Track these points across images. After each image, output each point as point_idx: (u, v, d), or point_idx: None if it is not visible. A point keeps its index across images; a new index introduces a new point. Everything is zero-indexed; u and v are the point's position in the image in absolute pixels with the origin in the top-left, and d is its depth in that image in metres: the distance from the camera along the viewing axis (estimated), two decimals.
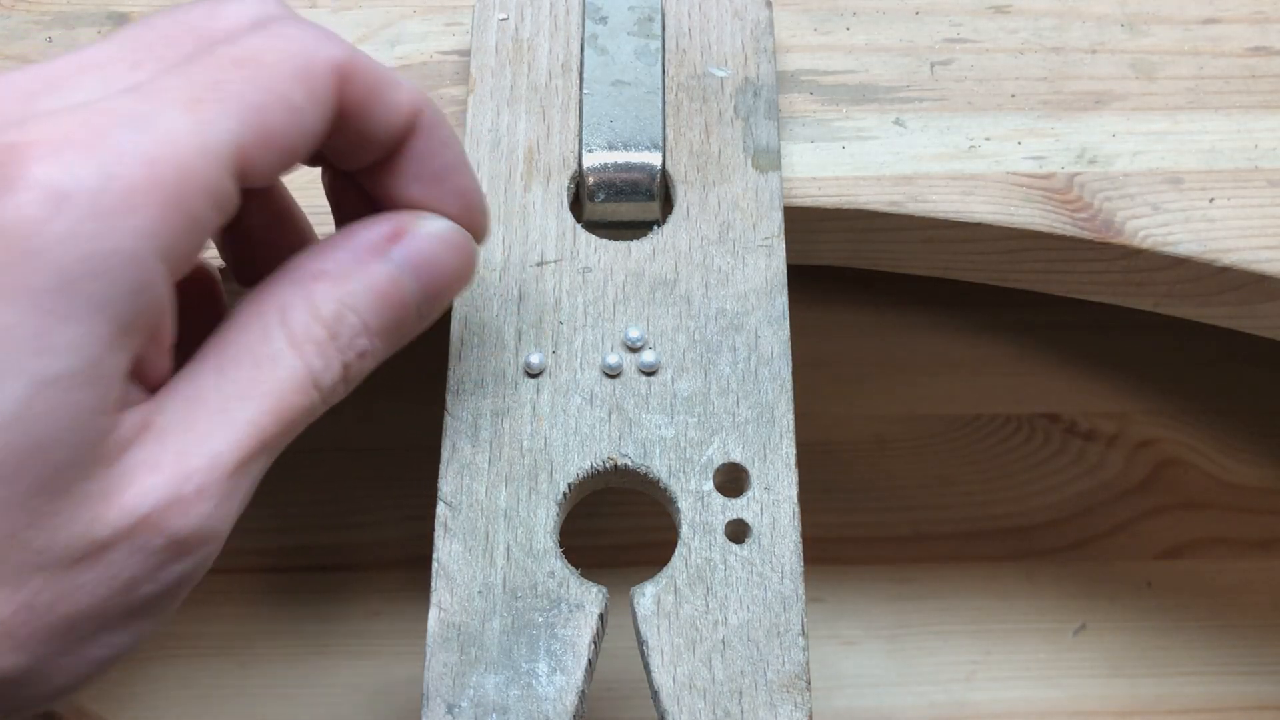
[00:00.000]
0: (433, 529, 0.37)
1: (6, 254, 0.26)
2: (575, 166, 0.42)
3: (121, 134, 0.27)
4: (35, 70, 0.30)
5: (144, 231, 0.27)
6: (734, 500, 0.37)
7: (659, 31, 0.44)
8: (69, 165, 0.26)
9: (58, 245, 0.26)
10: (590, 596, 0.36)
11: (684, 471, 0.38)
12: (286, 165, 0.31)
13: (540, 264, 0.41)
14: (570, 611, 0.36)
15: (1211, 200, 0.45)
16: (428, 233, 0.33)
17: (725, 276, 0.41)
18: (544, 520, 0.37)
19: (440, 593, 0.36)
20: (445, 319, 0.38)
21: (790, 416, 0.38)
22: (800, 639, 0.36)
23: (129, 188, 0.27)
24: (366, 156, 0.33)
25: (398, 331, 0.32)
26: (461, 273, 0.34)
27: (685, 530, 0.37)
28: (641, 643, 0.36)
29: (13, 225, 0.26)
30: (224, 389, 0.30)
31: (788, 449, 0.38)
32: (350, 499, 0.59)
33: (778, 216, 0.42)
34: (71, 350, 0.27)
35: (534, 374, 0.39)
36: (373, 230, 0.32)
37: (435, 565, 0.36)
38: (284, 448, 0.31)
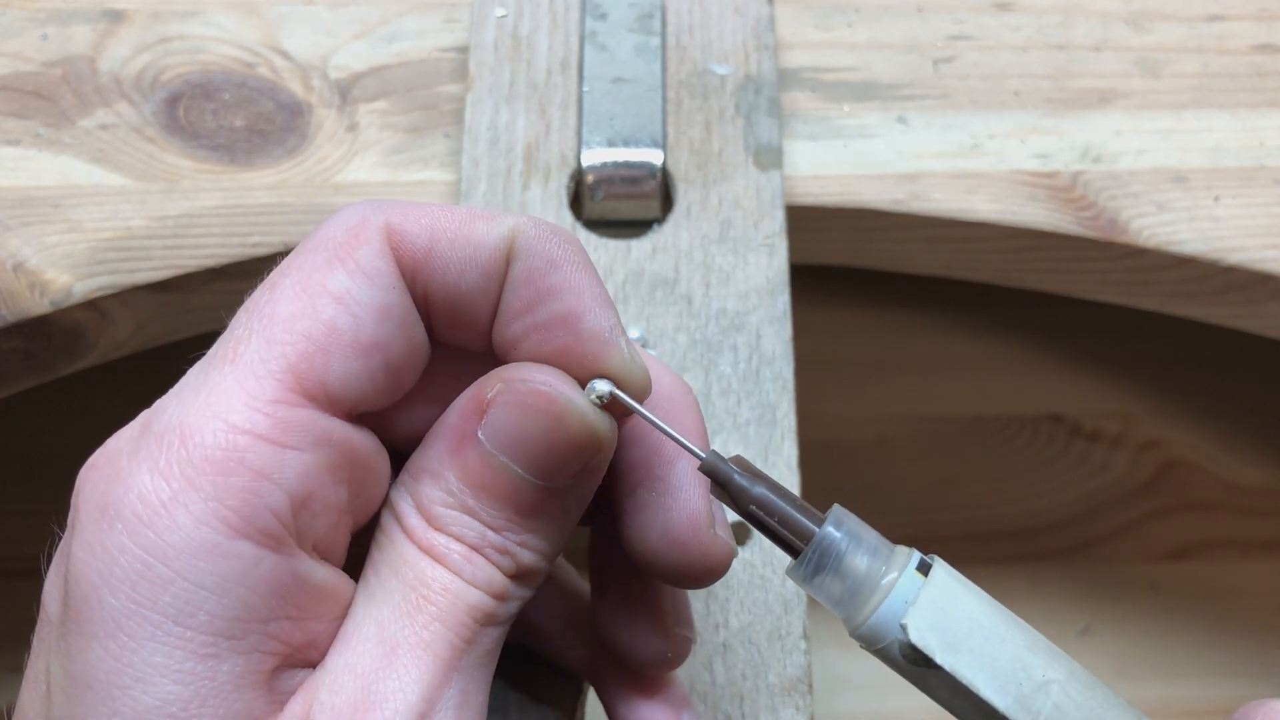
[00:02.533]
0: None
1: (77, 589, 0.25)
2: (575, 164, 0.42)
3: (160, 421, 0.25)
4: None
5: (203, 515, 0.24)
6: None
7: (659, 28, 0.44)
8: (113, 474, 0.25)
9: (116, 565, 0.24)
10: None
11: None
12: (374, 359, 0.26)
13: None
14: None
15: (1217, 199, 0.44)
16: (505, 400, 0.27)
17: (726, 276, 0.40)
18: None
19: None
20: None
21: (792, 417, 0.38)
22: (802, 642, 0.36)
23: (167, 474, 0.25)
24: (481, 318, 0.28)
25: (540, 515, 0.27)
26: (562, 431, 0.27)
27: None
28: None
29: (76, 556, 0.25)
30: (376, 636, 0.26)
31: (789, 450, 0.38)
32: None
33: (779, 215, 0.41)
34: (160, 673, 0.24)
35: None
36: (460, 408, 0.27)
37: None
38: (480, 665, 0.27)
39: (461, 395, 0.27)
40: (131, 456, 0.25)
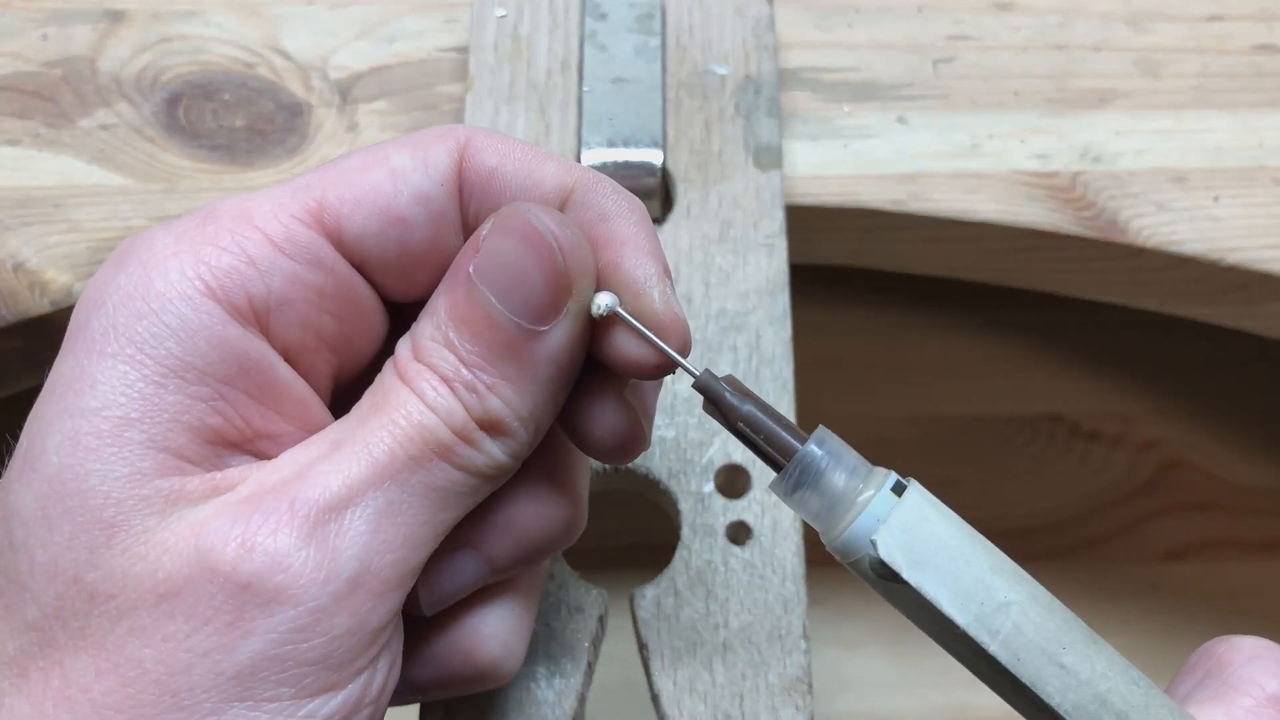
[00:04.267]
0: None
1: (79, 312, 0.28)
2: None
3: (208, 208, 0.29)
4: None
5: (187, 271, 0.27)
6: (735, 501, 0.37)
7: (659, 28, 0.44)
8: (147, 235, 0.28)
9: (113, 295, 0.27)
10: (589, 599, 0.36)
11: (684, 473, 0.37)
12: (393, 230, 0.29)
13: None
14: (569, 614, 0.36)
15: (1216, 199, 0.44)
16: (489, 230, 0.28)
17: (726, 275, 0.40)
18: None
19: None
20: None
21: (792, 417, 0.38)
22: (802, 642, 0.36)
23: (179, 236, 0.28)
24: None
25: (508, 352, 0.28)
26: (534, 260, 0.28)
27: (686, 532, 0.37)
28: (642, 646, 0.36)
29: (87, 288, 0.28)
30: (331, 438, 0.28)
31: None
32: None
33: (779, 215, 0.41)
34: (112, 385, 0.27)
35: None
36: (463, 250, 0.29)
37: None
38: (422, 496, 0.28)
39: (471, 237, 0.29)
40: (172, 224, 0.29)
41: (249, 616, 0.26)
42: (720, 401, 0.29)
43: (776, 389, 0.38)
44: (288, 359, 0.29)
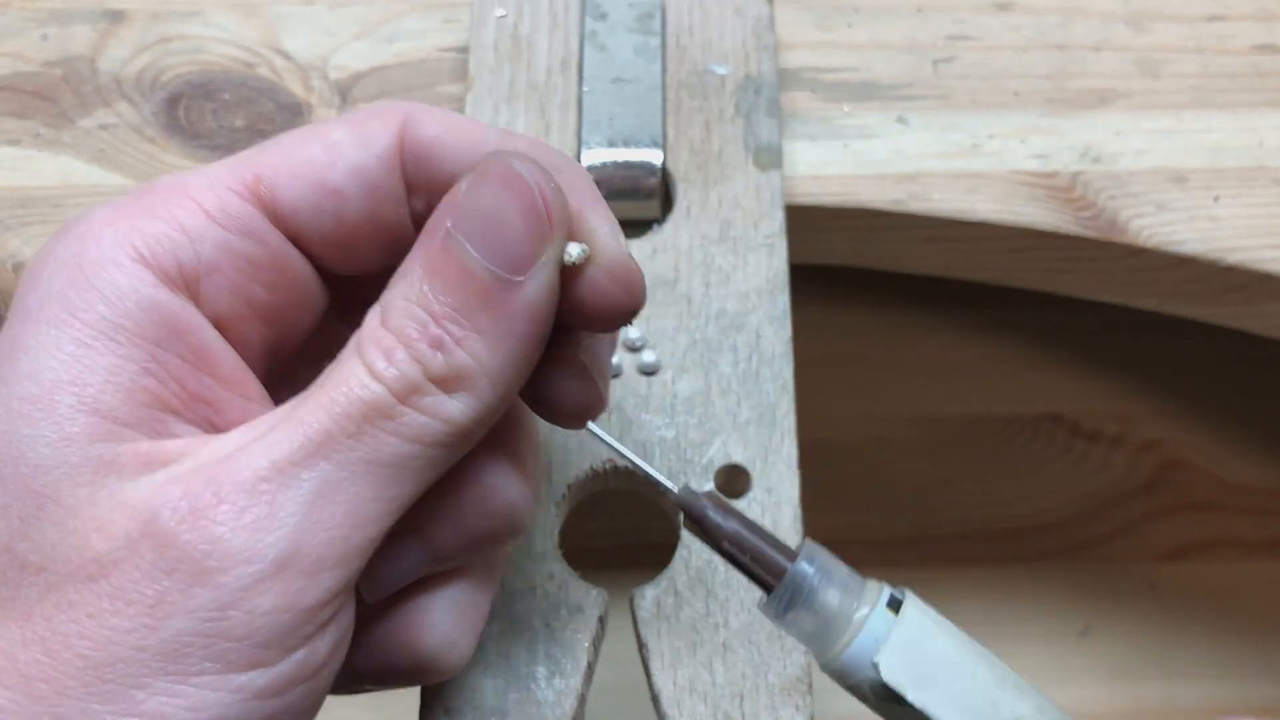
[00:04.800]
0: None
1: (23, 281, 0.28)
2: None
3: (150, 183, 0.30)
4: None
5: (120, 239, 0.28)
6: (735, 502, 0.37)
7: (659, 28, 0.44)
8: (91, 209, 0.29)
9: (49, 266, 0.28)
10: (590, 599, 0.36)
11: (685, 472, 0.37)
12: (328, 201, 0.29)
13: None
14: (569, 614, 0.36)
15: (1216, 199, 0.44)
16: (468, 180, 0.28)
17: (726, 276, 0.40)
18: (543, 522, 0.36)
19: None
20: None
21: (792, 417, 0.38)
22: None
23: (116, 207, 0.29)
24: None
25: (482, 303, 0.27)
26: (515, 206, 0.27)
27: (685, 532, 0.37)
28: (642, 646, 0.36)
29: (33, 266, 0.28)
30: (277, 413, 0.28)
31: (789, 450, 0.38)
32: None
33: (779, 215, 0.41)
34: (43, 349, 0.27)
35: None
36: (439, 207, 0.28)
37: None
38: (364, 472, 0.27)
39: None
40: (116, 200, 0.29)
41: (172, 596, 0.26)
42: (703, 521, 0.28)
43: (776, 389, 0.38)
44: (218, 327, 0.29)
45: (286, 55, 0.46)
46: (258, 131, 0.45)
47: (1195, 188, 0.45)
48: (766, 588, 0.28)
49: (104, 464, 0.27)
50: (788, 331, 0.39)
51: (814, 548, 0.28)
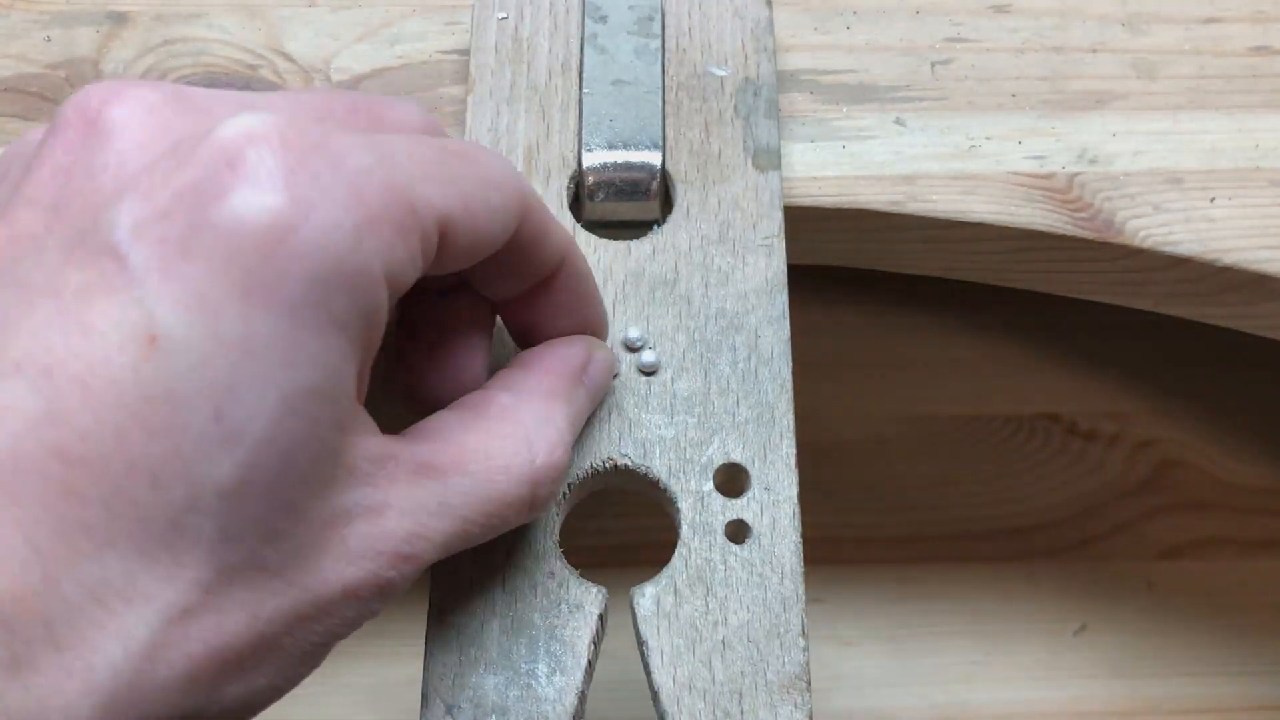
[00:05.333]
0: None
1: (256, 256, 0.25)
2: (575, 166, 0.42)
3: (358, 156, 0.26)
4: (213, 91, 0.30)
5: (380, 254, 0.26)
6: (734, 500, 0.37)
7: (659, 31, 0.44)
8: (312, 173, 0.25)
9: (308, 256, 0.25)
10: (590, 597, 0.36)
11: (684, 472, 0.38)
12: (472, 257, 0.31)
13: None
14: (570, 612, 0.36)
15: (1212, 200, 0.45)
16: (601, 359, 0.36)
17: (725, 276, 0.40)
18: (543, 521, 0.37)
19: (439, 593, 0.36)
20: None
21: (790, 416, 0.38)
22: (800, 639, 0.36)
23: (372, 208, 0.26)
24: (518, 287, 0.34)
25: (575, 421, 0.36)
26: (607, 387, 0.38)
27: (685, 531, 0.37)
28: (641, 643, 0.36)
29: (259, 226, 0.25)
30: (466, 453, 0.31)
31: (788, 449, 0.38)
32: None
33: (778, 216, 0.42)
34: (316, 364, 0.26)
35: None
36: (575, 357, 0.35)
37: (434, 565, 0.36)
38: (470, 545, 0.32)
39: (567, 342, 0.35)
40: (340, 173, 0.27)
41: None
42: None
43: (775, 389, 0.39)
44: None
45: (289, 57, 0.46)
46: None
47: (1191, 189, 0.45)
48: None
49: (335, 473, 0.28)
50: (786, 331, 0.40)
51: None
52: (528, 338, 0.36)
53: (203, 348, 0.25)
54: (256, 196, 0.25)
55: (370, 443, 0.28)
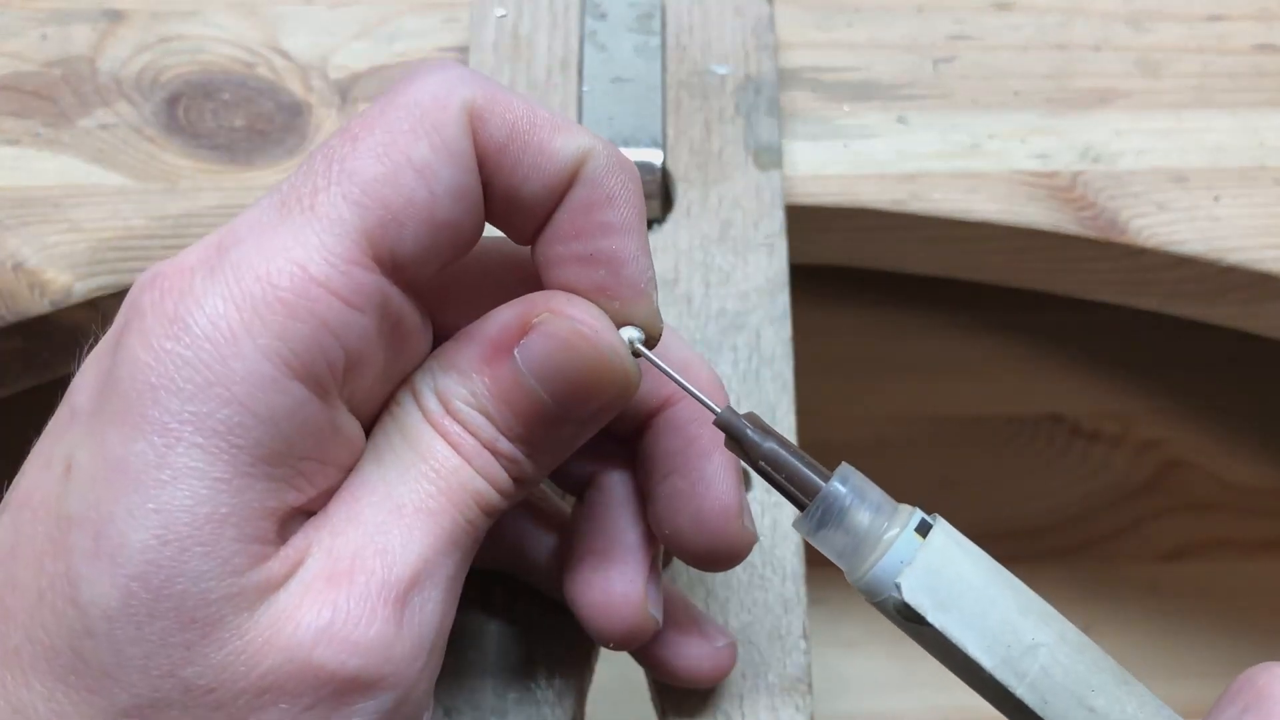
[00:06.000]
0: None
1: (131, 385, 0.25)
2: None
3: (238, 252, 0.26)
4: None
5: (269, 351, 0.25)
6: None
7: (659, 28, 0.44)
8: (185, 290, 0.26)
9: (181, 371, 0.25)
10: None
11: None
12: (442, 236, 0.27)
13: None
14: (570, 613, 0.35)
15: (1217, 198, 0.44)
16: (548, 331, 0.28)
17: (726, 275, 0.40)
18: None
19: None
20: None
21: (792, 417, 0.38)
22: (802, 641, 0.36)
23: (240, 305, 0.25)
24: (530, 221, 0.28)
25: (548, 437, 0.29)
26: (596, 374, 0.28)
27: None
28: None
29: (135, 357, 0.25)
30: (384, 495, 0.28)
31: None
32: None
33: (779, 215, 0.41)
34: (199, 478, 0.25)
35: None
36: (501, 321, 0.28)
37: None
38: (472, 551, 0.29)
39: (504, 307, 0.28)
40: (206, 278, 0.26)
41: (351, 700, 0.26)
42: (742, 439, 0.29)
43: (776, 389, 0.38)
44: (350, 408, 0.28)
45: (286, 55, 0.46)
46: (257, 131, 0.45)
47: (1196, 187, 0.45)
48: (800, 505, 0.29)
49: (260, 585, 0.26)
50: (788, 331, 0.39)
51: (849, 470, 0.29)
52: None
53: (92, 471, 0.25)
54: (134, 331, 0.26)
55: (290, 549, 0.27)
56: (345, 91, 0.46)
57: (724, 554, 0.31)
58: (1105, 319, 0.55)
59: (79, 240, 0.42)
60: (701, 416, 0.30)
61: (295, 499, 0.27)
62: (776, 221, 0.41)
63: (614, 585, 0.31)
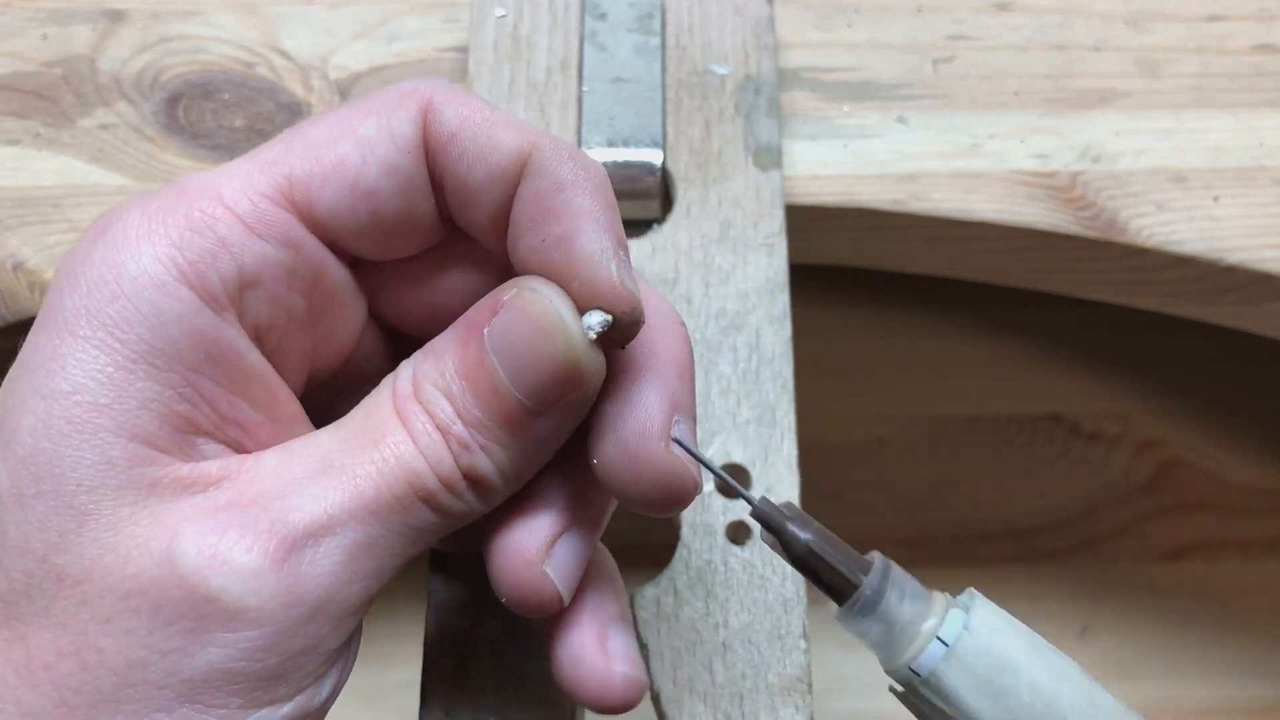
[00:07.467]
0: None
1: (54, 288, 0.28)
2: None
3: (186, 179, 0.29)
4: None
5: (162, 256, 0.27)
6: (735, 501, 0.37)
7: (659, 28, 0.44)
8: (127, 207, 0.28)
9: (86, 274, 0.27)
10: None
11: None
12: (362, 204, 0.29)
13: None
14: None
15: (1216, 199, 0.44)
16: (511, 304, 0.28)
17: (726, 275, 0.40)
18: None
19: (437, 595, 0.36)
20: None
21: (792, 417, 0.38)
22: (802, 641, 0.36)
23: (152, 215, 0.28)
24: (483, 215, 0.29)
25: (507, 422, 0.28)
26: (549, 353, 0.27)
27: (685, 531, 0.37)
28: (642, 645, 0.36)
29: (64, 265, 0.28)
30: (319, 455, 0.28)
31: (789, 450, 0.38)
32: None
33: (779, 215, 0.41)
34: (82, 367, 0.27)
35: None
36: (482, 302, 0.29)
37: (431, 566, 0.36)
38: (398, 534, 0.28)
39: (490, 293, 0.29)
40: (144, 197, 0.29)
41: (210, 627, 0.26)
42: (782, 533, 0.29)
43: (776, 389, 0.38)
44: (258, 341, 0.29)
45: (286, 55, 0.46)
46: (257, 131, 0.45)
47: (1195, 187, 0.45)
48: (839, 597, 0.29)
49: (145, 487, 0.27)
50: (787, 331, 0.39)
51: (884, 562, 0.29)
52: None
53: (14, 368, 0.28)
54: (76, 249, 0.28)
55: (207, 466, 0.28)
56: (345, 91, 0.46)
57: (647, 481, 0.29)
58: (1105, 319, 0.55)
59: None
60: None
61: (190, 413, 0.28)
62: (776, 221, 0.41)
63: (513, 534, 0.30)
